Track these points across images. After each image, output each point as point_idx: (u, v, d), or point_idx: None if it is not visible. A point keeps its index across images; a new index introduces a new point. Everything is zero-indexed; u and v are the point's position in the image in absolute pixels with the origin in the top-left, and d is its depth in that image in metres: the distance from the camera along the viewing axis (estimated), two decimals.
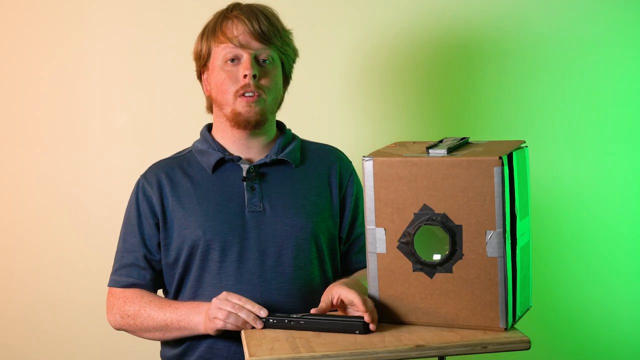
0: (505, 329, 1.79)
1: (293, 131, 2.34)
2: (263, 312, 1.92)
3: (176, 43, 2.71)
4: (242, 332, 1.88)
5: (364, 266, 2.22)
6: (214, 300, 2.00)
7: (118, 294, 2.20)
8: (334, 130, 2.82)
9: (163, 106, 2.77)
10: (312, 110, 2.83)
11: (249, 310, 1.94)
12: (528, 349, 1.77)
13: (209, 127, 2.30)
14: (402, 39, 2.84)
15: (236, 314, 1.94)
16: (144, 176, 2.25)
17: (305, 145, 2.31)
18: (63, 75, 2.75)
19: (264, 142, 2.23)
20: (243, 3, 2.24)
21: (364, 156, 1.86)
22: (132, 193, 2.26)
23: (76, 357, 2.79)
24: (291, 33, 2.26)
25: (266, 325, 1.89)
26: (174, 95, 2.75)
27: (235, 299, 1.97)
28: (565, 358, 2.97)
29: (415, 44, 2.85)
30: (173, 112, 2.76)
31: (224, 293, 2.00)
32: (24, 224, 2.78)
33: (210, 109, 2.29)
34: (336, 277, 2.26)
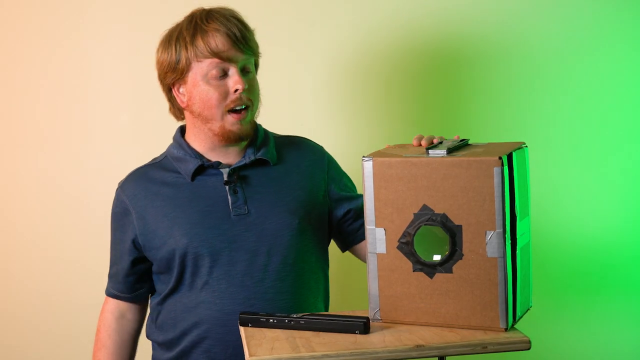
0: (506, 329, 1.79)
1: (294, 131, 2.34)
2: None
3: None
4: (242, 331, 1.88)
5: None
6: None
7: (103, 317, 2.32)
8: (332, 131, 2.82)
9: (163, 106, 2.76)
10: (309, 110, 2.83)
11: None
12: (528, 349, 1.77)
13: (181, 131, 2.27)
14: (401, 40, 2.84)
15: None
16: (121, 188, 2.24)
17: (277, 141, 2.29)
18: (63, 75, 2.75)
19: (241, 146, 2.22)
20: (206, 8, 2.18)
21: (363, 156, 1.85)
22: (112, 205, 2.26)
23: (76, 357, 2.79)
24: (254, 31, 2.22)
25: (266, 325, 1.88)
26: None
27: None
28: (565, 358, 2.97)
29: (414, 45, 2.85)
30: None
31: None
32: (24, 224, 2.78)
33: (179, 117, 2.26)
34: (324, 267, 2.27)
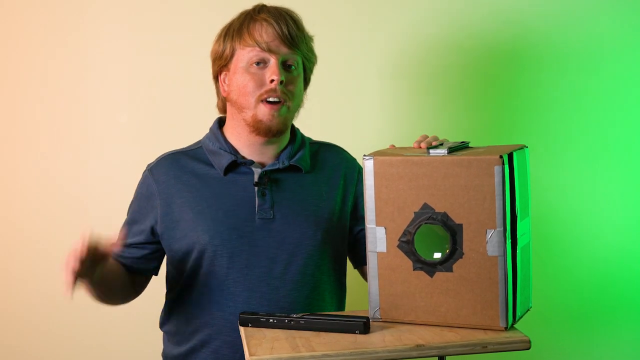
0: (506, 328, 1.79)
1: (303, 130, 2.33)
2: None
3: (177, 43, 2.72)
4: (242, 331, 1.87)
5: None
6: None
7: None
8: (332, 131, 2.82)
9: (163, 106, 2.77)
10: (310, 111, 2.83)
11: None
12: (528, 349, 1.77)
13: (219, 123, 2.26)
14: (401, 41, 2.84)
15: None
16: (150, 171, 2.22)
17: (312, 148, 2.28)
18: (63, 75, 2.75)
19: (278, 148, 2.20)
20: (267, 5, 2.19)
21: (364, 155, 1.86)
22: (138, 185, 2.24)
23: (76, 357, 2.79)
24: (313, 39, 2.23)
25: (266, 325, 1.88)
26: (175, 95, 2.75)
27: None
28: (565, 358, 2.97)
29: (415, 46, 2.85)
30: (173, 112, 2.76)
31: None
32: (25, 223, 2.77)
33: (222, 109, 2.25)
34: (342, 281, 2.26)
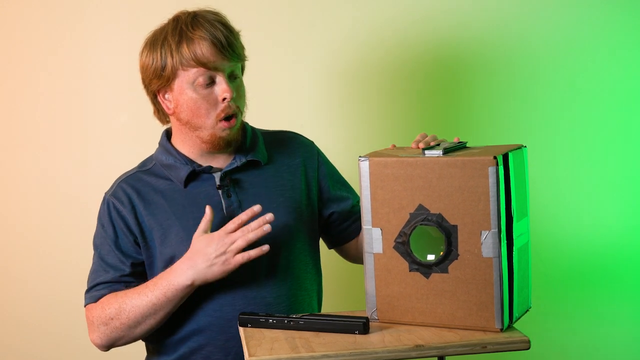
0: (501, 330, 1.78)
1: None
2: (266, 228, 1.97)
3: None
4: (242, 332, 1.88)
5: None
6: (201, 248, 2.00)
7: (95, 307, 2.13)
8: (331, 131, 2.82)
9: None
10: (309, 111, 2.83)
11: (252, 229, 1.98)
12: (528, 349, 1.77)
13: (167, 135, 2.23)
14: (400, 41, 2.84)
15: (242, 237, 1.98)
16: (113, 195, 2.17)
17: (267, 139, 2.26)
18: (63, 75, 2.75)
19: (231, 148, 2.18)
20: (190, 11, 2.13)
21: (360, 156, 1.85)
22: (104, 213, 2.17)
23: (76, 357, 2.80)
24: (240, 34, 2.17)
25: (266, 325, 1.88)
26: None
27: (228, 230, 2.00)
28: (565, 358, 2.96)
29: (413, 46, 2.85)
30: None
31: (204, 236, 2.01)
32: (25, 223, 2.79)
33: (164, 121, 2.22)
34: (318, 266, 2.26)
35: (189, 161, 2.15)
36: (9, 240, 2.78)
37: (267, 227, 1.98)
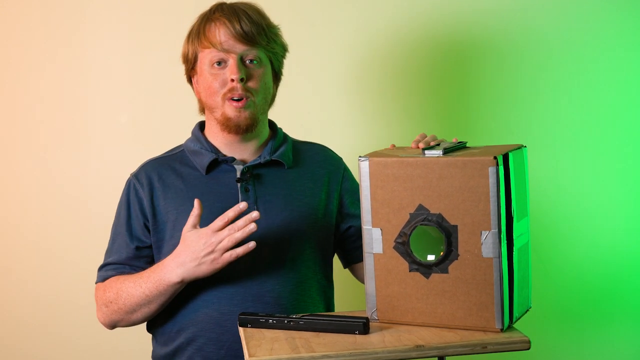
0: (501, 330, 1.78)
1: (292, 132, 2.33)
2: (252, 226, 1.97)
3: (177, 43, 2.70)
4: (242, 332, 1.87)
5: None
6: (189, 244, 2.01)
7: (100, 287, 2.19)
8: (331, 131, 2.82)
9: (163, 106, 2.78)
10: (310, 110, 2.83)
11: (238, 228, 1.98)
12: (528, 349, 1.77)
13: (201, 126, 2.29)
14: (401, 39, 2.84)
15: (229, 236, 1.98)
16: (135, 176, 2.23)
17: (296, 145, 2.30)
18: (63, 75, 2.76)
19: (257, 144, 2.22)
20: (227, 2, 2.21)
21: (360, 156, 1.85)
22: (123, 193, 2.24)
23: (76, 357, 2.80)
24: (278, 29, 2.23)
25: (266, 325, 1.88)
26: (174, 95, 2.75)
27: (214, 228, 2.00)
28: (565, 358, 2.96)
29: (414, 46, 2.85)
30: (173, 111, 2.77)
31: (192, 232, 2.02)
32: (25, 223, 2.79)
33: (202, 110, 2.28)
34: (328, 277, 2.27)
35: (214, 150, 2.20)
36: (9, 240, 2.78)
37: (253, 226, 1.98)
